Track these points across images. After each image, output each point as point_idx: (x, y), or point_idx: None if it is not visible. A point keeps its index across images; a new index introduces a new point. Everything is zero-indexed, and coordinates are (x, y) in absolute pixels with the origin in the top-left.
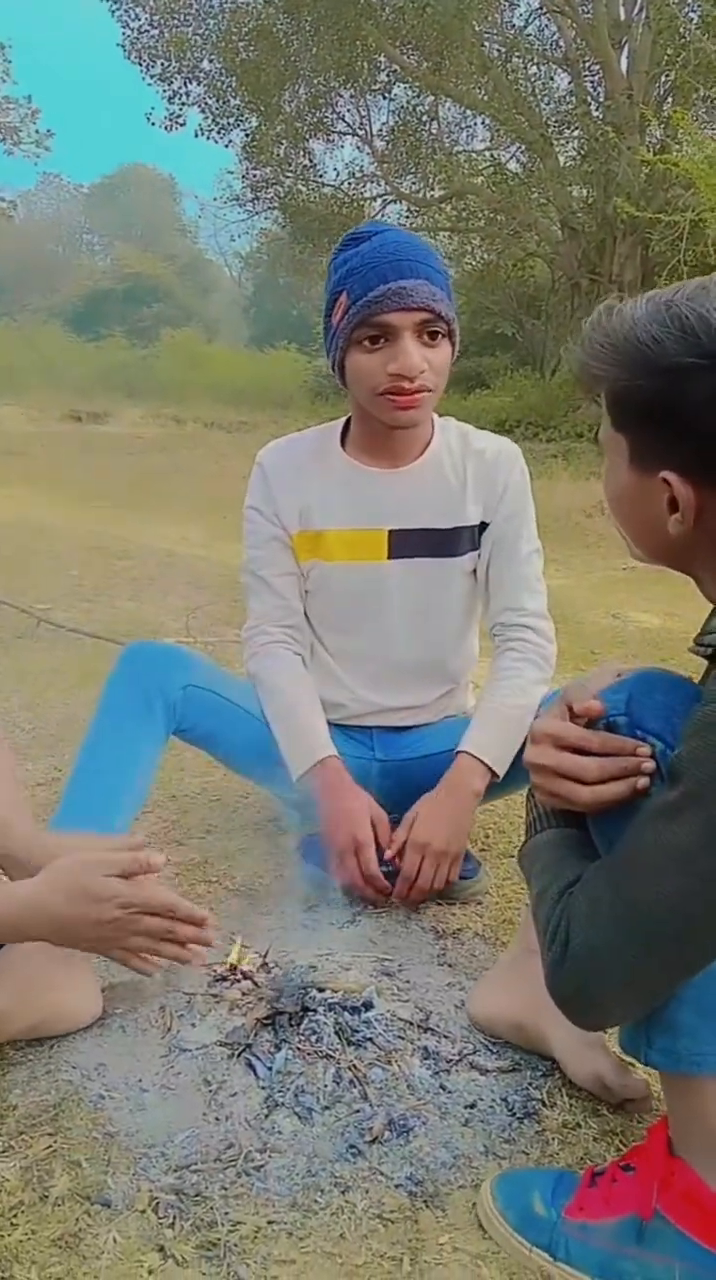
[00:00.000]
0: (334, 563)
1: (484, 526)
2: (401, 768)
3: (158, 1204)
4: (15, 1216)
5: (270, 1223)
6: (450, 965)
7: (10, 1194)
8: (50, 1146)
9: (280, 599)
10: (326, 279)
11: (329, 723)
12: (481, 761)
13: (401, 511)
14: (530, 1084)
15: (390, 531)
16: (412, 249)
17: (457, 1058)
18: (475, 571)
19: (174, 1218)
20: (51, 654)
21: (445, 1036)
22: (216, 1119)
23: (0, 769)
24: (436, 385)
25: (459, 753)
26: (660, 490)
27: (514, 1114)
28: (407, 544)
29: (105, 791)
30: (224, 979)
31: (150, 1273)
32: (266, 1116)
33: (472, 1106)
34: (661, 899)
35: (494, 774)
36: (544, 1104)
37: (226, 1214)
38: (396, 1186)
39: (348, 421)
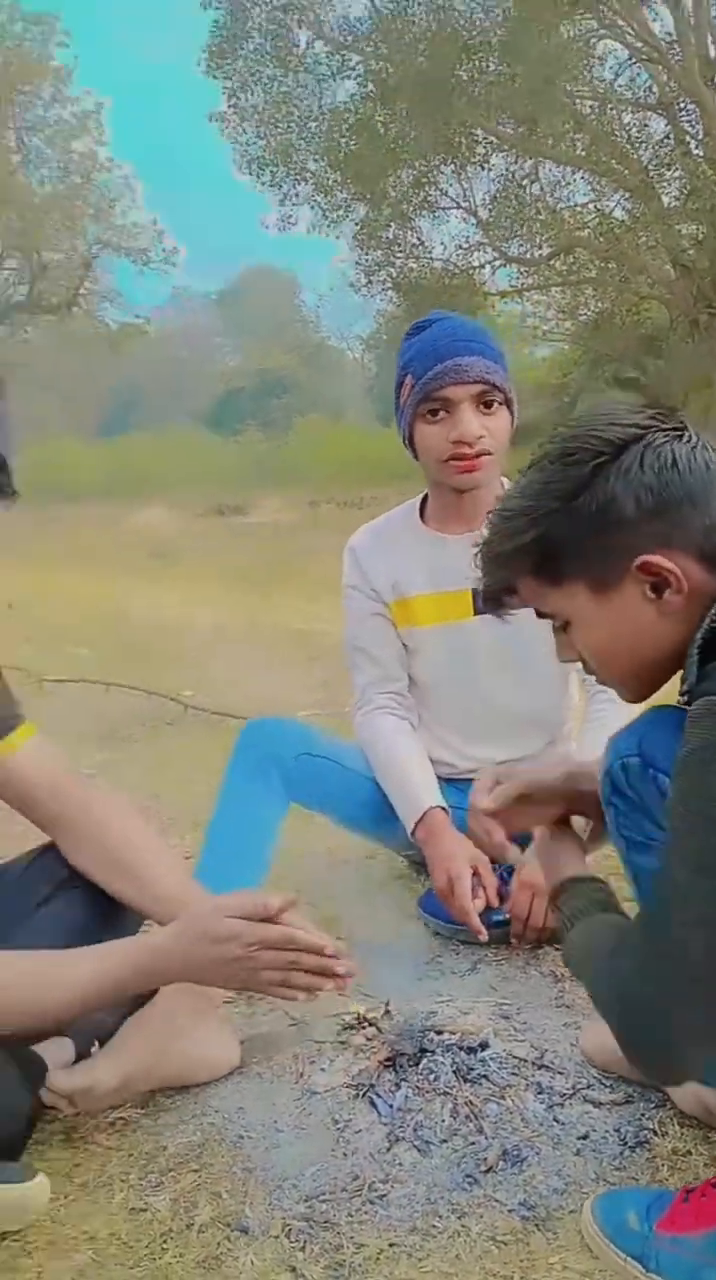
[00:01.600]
0: (426, 626)
1: None
2: None
3: (290, 1230)
4: (165, 1242)
5: (392, 1245)
6: (567, 1006)
7: (161, 1223)
8: (196, 1181)
9: (382, 669)
10: (397, 365)
11: (440, 778)
12: None
13: None
14: (642, 1115)
15: (474, 590)
16: (467, 330)
17: (571, 1092)
18: None
19: (304, 1242)
20: (197, 737)
21: (560, 1073)
22: (343, 1154)
23: (142, 833)
24: (497, 449)
25: None
26: (636, 588)
27: (625, 1143)
28: None
29: (231, 859)
30: (351, 1027)
31: None
32: (388, 1150)
33: (585, 1137)
34: (679, 941)
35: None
36: (655, 1133)
37: (352, 1238)
38: (509, 1212)
39: (425, 497)
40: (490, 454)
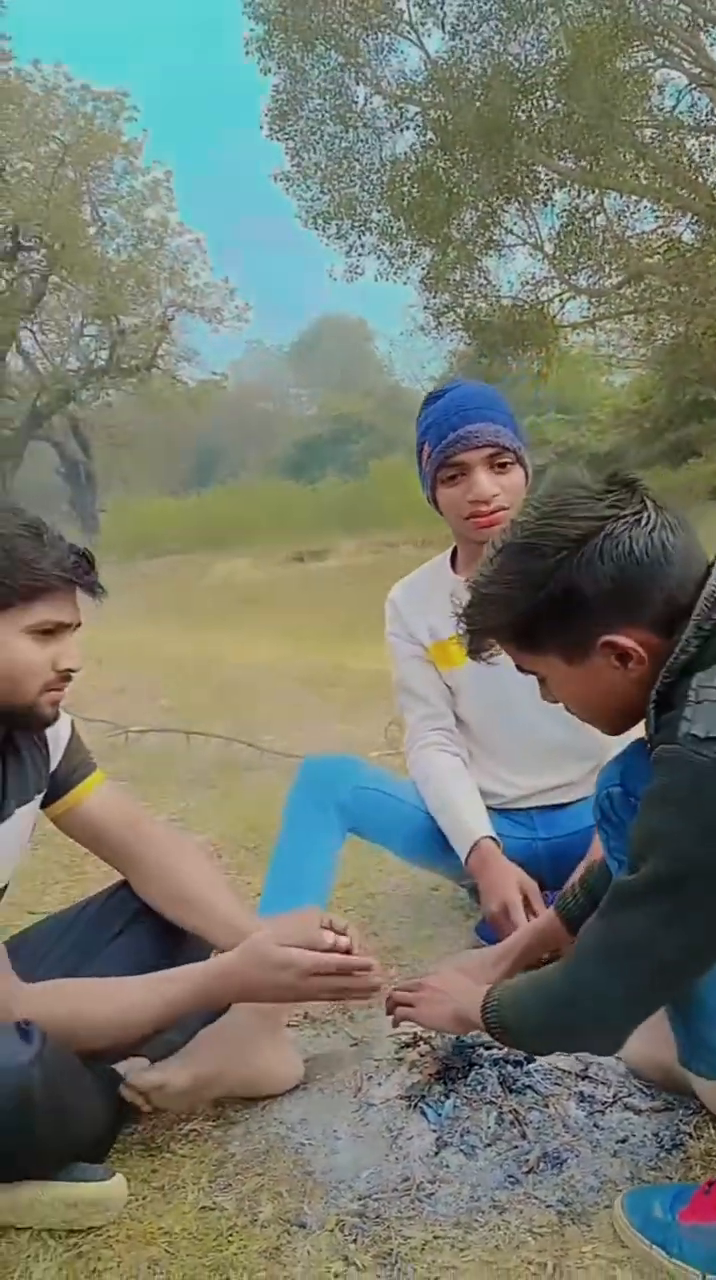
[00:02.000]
0: (462, 666)
1: None
2: (564, 844)
3: (344, 1225)
4: (231, 1236)
5: (437, 1237)
6: None
7: (227, 1219)
8: (259, 1183)
9: (430, 707)
10: (417, 433)
11: (491, 809)
12: None
13: None
14: (680, 1120)
15: None
16: (477, 398)
17: (612, 1100)
18: None
19: (357, 1235)
20: (273, 780)
21: (602, 1083)
22: (395, 1159)
23: (204, 868)
24: (512, 503)
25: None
26: (603, 659)
27: (662, 1146)
28: None
29: (291, 885)
30: (408, 1045)
31: (336, 1276)
32: (436, 1154)
33: (623, 1141)
34: (633, 944)
35: None
36: (691, 1136)
37: (400, 1231)
38: (547, 1207)
39: (455, 549)
40: (506, 509)
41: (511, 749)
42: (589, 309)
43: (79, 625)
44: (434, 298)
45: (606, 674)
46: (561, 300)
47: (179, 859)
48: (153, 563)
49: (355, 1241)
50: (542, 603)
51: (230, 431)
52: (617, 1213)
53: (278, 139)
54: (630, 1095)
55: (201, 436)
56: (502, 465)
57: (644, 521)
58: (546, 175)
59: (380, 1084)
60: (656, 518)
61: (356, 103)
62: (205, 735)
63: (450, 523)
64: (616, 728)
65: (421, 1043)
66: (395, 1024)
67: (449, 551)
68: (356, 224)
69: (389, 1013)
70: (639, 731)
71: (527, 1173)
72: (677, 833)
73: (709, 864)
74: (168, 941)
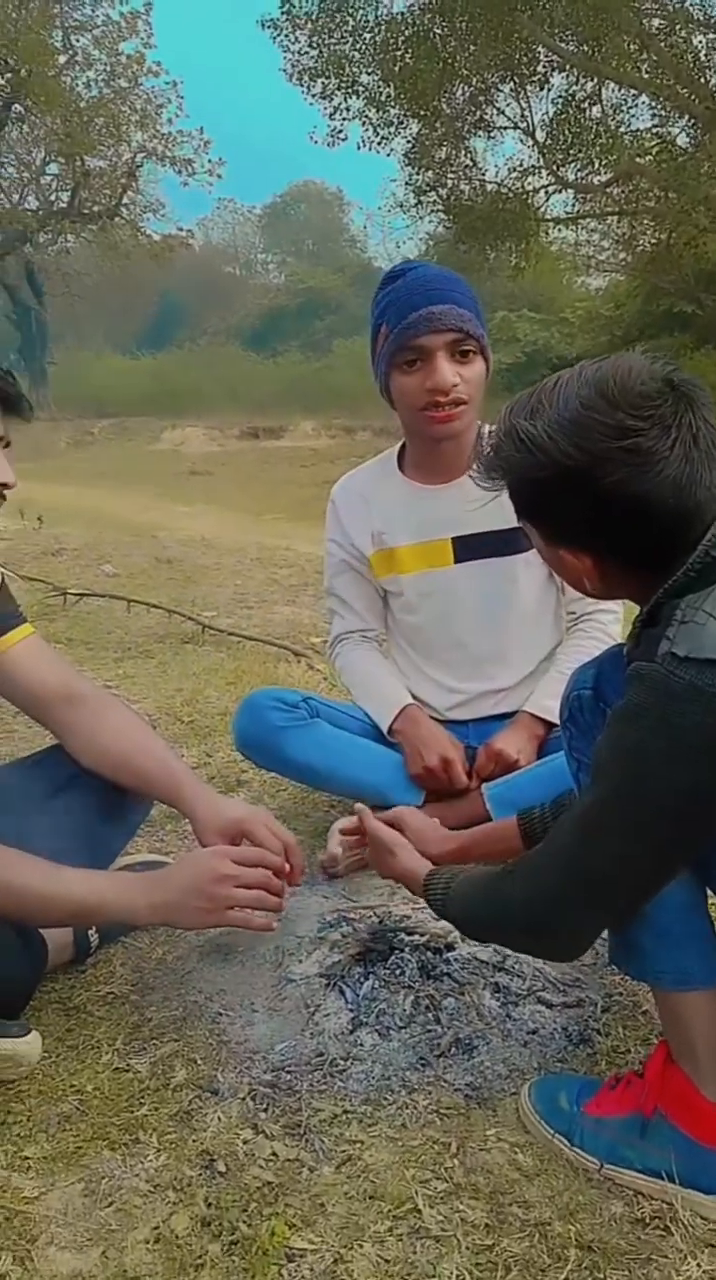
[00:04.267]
0: (408, 574)
1: None
2: None
3: (256, 1094)
4: (143, 1097)
5: (346, 1112)
6: None
7: (140, 1081)
8: (175, 1049)
9: (356, 617)
10: (369, 317)
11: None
12: (540, 718)
13: (460, 519)
14: (590, 1017)
15: (453, 539)
16: (441, 279)
17: (526, 993)
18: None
19: (268, 1104)
20: (213, 656)
21: (517, 975)
22: (310, 1034)
23: (134, 723)
24: (472, 397)
25: (521, 711)
26: (567, 561)
27: (571, 1040)
28: (471, 548)
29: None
30: (331, 925)
31: (245, 1143)
32: (351, 1033)
33: (534, 1032)
34: (588, 852)
35: (551, 724)
36: (599, 1032)
37: (310, 1104)
38: (455, 1091)
39: (402, 446)
40: (465, 403)
41: (449, 656)
42: (574, 205)
43: (8, 444)
44: (417, 174)
45: (576, 567)
46: (546, 192)
47: (112, 719)
48: (101, 423)
49: (266, 1110)
50: (539, 483)
51: (192, 293)
52: (523, 1100)
53: None
54: (543, 989)
55: (161, 295)
56: (465, 354)
57: (661, 466)
58: (546, 56)
59: (301, 961)
60: (680, 458)
61: None
62: (146, 605)
63: (402, 416)
64: (592, 595)
65: (344, 923)
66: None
67: (397, 449)
68: (343, 84)
69: (329, 879)
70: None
71: (439, 1056)
72: (643, 753)
73: (671, 787)
74: (108, 799)
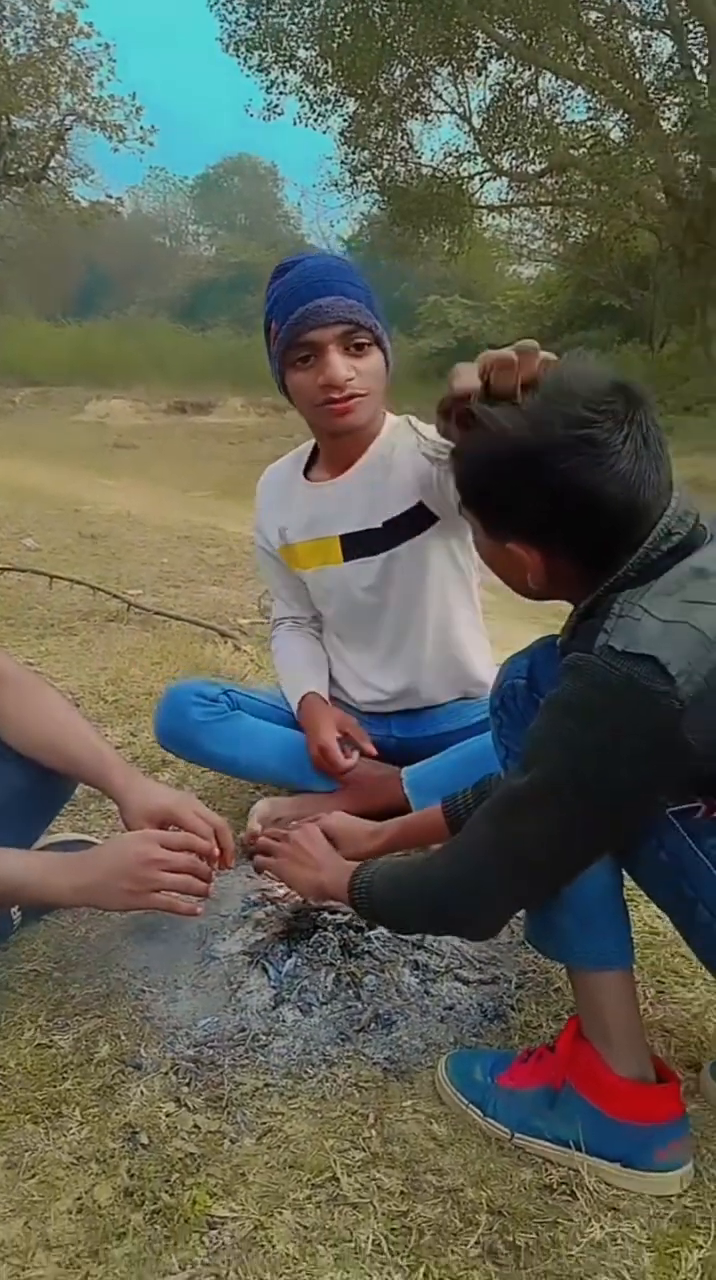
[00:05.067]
0: (308, 570)
1: (421, 506)
2: (417, 744)
3: (178, 1068)
4: (66, 1073)
5: (267, 1085)
6: None
7: (63, 1057)
8: (98, 1025)
9: (287, 605)
10: (264, 310)
11: (356, 711)
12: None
13: (343, 517)
14: (504, 994)
15: (341, 536)
16: (328, 270)
17: (444, 970)
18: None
19: (190, 1078)
20: (138, 635)
21: (436, 954)
22: (233, 1010)
23: (57, 701)
24: (370, 389)
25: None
26: (511, 555)
27: (485, 1015)
28: (357, 545)
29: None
30: (255, 904)
31: (168, 1116)
32: (273, 1009)
33: (451, 1008)
34: (515, 835)
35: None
36: (512, 1008)
37: (232, 1078)
38: (374, 1065)
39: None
40: (363, 395)
41: (361, 652)
42: (508, 193)
43: None
44: (353, 153)
45: (515, 565)
46: (481, 179)
47: (37, 700)
48: (22, 391)
49: (188, 1085)
50: (494, 465)
51: (120, 262)
52: (440, 1073)
53: None
54: (461, 967)
55: (89, 263)
56: (359, 346)
57: (612, 460)
58: (484, 42)
59: (224, 939)
60: (630, 454)
61: None
62: (69, 581)
63: (303, 413)
64: (523, 596)
65: (268, 902)
66: (258, 870)
67: (311, 445)
68: (281, 58)
69: (250, 856)
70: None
71: (358, 1031)
72: (575, 743)
73: (599, 778)
74: (32, 779)
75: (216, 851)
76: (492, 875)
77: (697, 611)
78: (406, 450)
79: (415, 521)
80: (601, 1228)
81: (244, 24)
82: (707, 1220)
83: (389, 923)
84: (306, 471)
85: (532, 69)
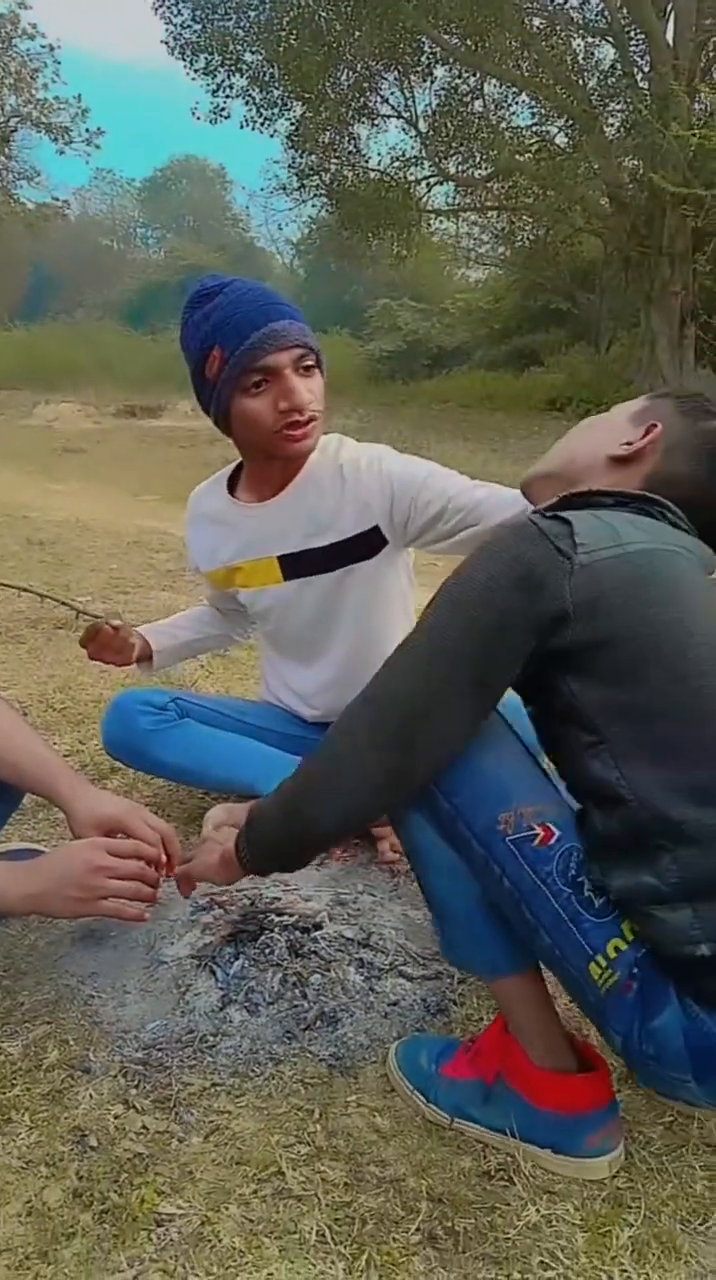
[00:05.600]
0: (248, 590)
1: (377, 530)
2: None
3: (127, 1071)
4: (14, 1079)
5: (215, 1085)
6: (401, 898)
7: (12, 1063)
8: (47, 1031)
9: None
10: (184, 340)
11: (302, 720)
12: None
13: (283, 537)
14: (447, 989)
15: (279, 557)
16: (270, 294)
17: (389, 968)
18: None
19: (139, 1081)
20: None
21: (381, 951)
22: (181, 1013)
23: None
24: (320, 411)
25: None
26: (635, 433)
27: (428, 1010)
28: (298, 565)
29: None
30: (203, 908)
31: (116, 1118)
32: (221, 1010)
33: (395, 1004)
34: (392, 683)
35: None
36: (454, 1003)
37: (181, 1078)
38: (320, 1061)
39: (238, 467)
40: (317, 418)
41: (308, 672)
42: (455, 197)
43: None
44: (300, 157)
45: (617, 436)
46: (428, 184)
47: None
48: None
49: (137, 1087)
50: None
51: (68, 264)
52: (390, 1060)
53: None
54: (405, 964)
55: (35, 266)
56: (307, 368)
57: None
58: (429, 47)
59: (172, 943)
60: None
61: None
62: (17, 589)
63: (254, 439)
64: (570, 458)
65: (216, 906)
66: (184, 894)
67: (230, 470)
68: (227, 62)
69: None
70: None
71: (304, 1029)
72: (470, 573)
73: (479, 604)
74: None
75: (164, 859)
76: (362, 729)
77: (625, 527)
78: (371, 473)
79: (366, 544)
80: (537, 1210)
81: (190, 27)
82: (639, 1200)
83: (280, 839)
84: (232, 494)
85: (478, 74)
